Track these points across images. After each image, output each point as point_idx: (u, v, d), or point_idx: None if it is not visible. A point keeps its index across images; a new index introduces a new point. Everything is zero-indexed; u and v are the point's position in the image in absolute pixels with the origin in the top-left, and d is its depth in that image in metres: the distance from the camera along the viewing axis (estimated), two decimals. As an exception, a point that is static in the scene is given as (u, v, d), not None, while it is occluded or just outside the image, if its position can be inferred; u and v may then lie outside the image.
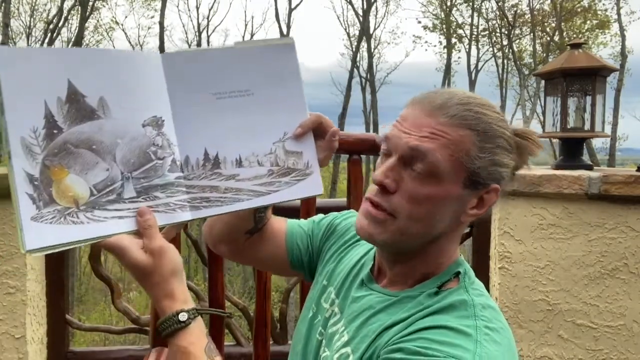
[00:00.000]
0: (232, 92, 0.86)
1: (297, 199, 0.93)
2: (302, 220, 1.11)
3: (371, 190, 0.82)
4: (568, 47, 2.15)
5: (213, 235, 1.08)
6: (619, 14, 17.13)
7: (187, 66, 0.83)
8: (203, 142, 0.83)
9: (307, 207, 1.59)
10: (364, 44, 19.86)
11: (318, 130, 0.93)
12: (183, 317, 0.74)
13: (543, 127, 2.20)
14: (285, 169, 0.89)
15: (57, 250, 0.70)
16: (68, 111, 0.71)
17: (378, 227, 0.80)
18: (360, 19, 19.82)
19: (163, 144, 0.79)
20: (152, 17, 19.01)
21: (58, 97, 0.71)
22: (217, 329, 1.57)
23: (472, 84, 19.21)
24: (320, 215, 1.11)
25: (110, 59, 0.76)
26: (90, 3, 17.30)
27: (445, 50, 20.04)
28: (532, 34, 18.23)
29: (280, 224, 1.08)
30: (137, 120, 0.77)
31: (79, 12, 17.50)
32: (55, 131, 0.70)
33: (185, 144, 0.81)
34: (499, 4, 18.81)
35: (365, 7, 19.64)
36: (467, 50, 20.01)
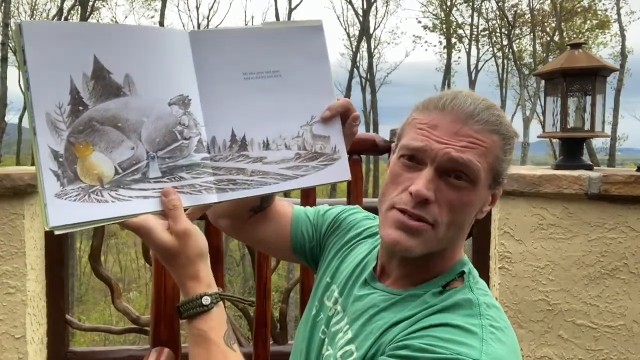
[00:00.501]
0: (260, 72, 0.84)
1: (325, 184, 0.91)
2: (308, 207, 1.10)
3: (402, 201, 0.78)
4: (568, 47, 2.14)
5: (215, 210, 1.05)
6: (619, 14, 17.12)
7: (215, 45, 0.81)
8: (230, 123, 0.81)
9: (307, 205, 1.58)
10: (364, 44, 19.88)
11: (343, 117, 0.91)
12: (206, 300, 0.73)
13: (543, 127, 2.20)
14: (313, 153, 0.87)
15: (80, 228, 0.69)
16: (94, 88, 0.70)
17: (415, 239, 0.78)
18: (360, 19, 19.82)
19: (189, 124, 0.77)
20: (152, 17, 19.00)
21: (84, 73, 0.69)
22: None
23: (472, 84, 19.20)
24: (326, 206, 1.10)
25: (137, 36, 0.74)
26: (90, 3, 17.30)
27: (445, 50, 20.04)
28: (532, 34, 18.21)
29: (286, 208, 1.06)
30: (163, 98, 0.75)
31: (79, 12, 17.50)
32: (80, 108, 0.69)
33: (212, 125, 0.79)
34: (499, 4, 18.80)
35: (365, 7, 19.64)
36: (467, 50, 20.04)
